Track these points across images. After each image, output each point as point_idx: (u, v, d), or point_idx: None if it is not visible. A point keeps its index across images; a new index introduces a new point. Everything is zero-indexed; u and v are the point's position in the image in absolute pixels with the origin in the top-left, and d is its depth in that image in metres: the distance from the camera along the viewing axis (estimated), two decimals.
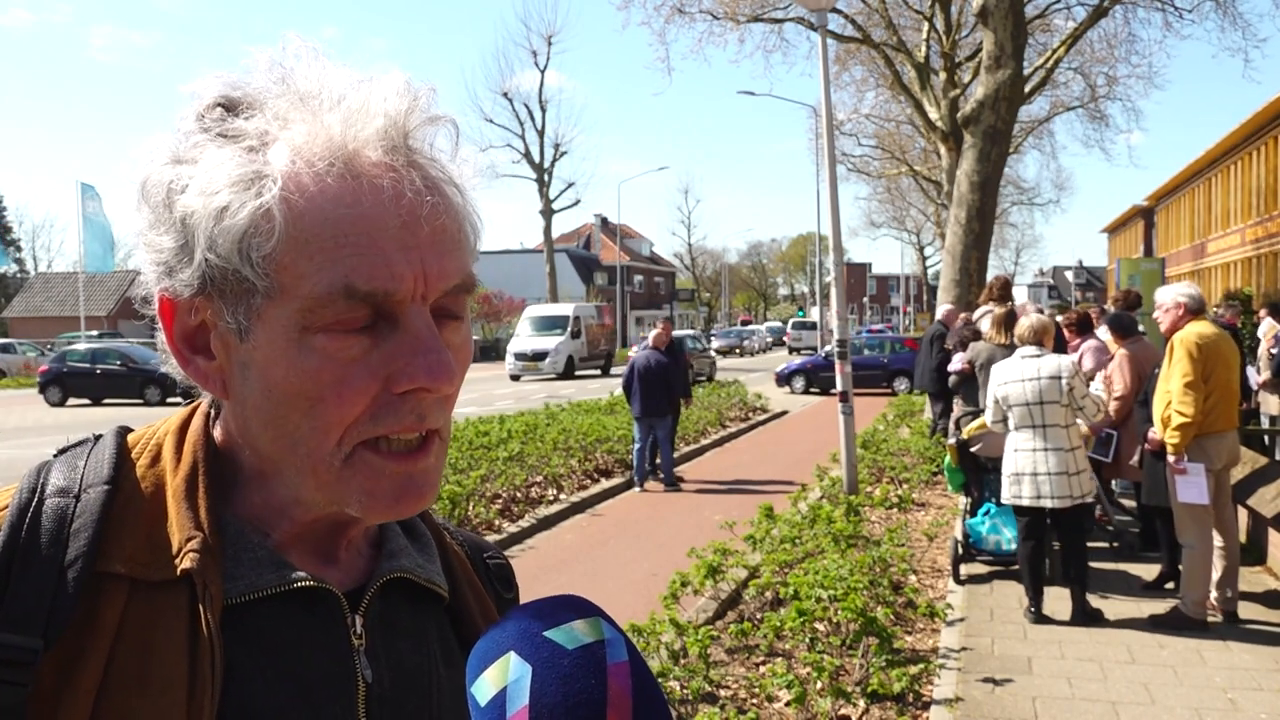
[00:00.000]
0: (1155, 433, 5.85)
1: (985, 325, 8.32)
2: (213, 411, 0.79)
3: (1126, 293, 8.73)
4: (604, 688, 0.62)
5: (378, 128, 0.69)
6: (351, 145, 0.68)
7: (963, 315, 10.37)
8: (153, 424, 0.80)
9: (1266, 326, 11.22)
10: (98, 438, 0.78)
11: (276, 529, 0.75)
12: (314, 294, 0.66)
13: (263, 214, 0.66)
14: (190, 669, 0.66)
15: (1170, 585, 6.21)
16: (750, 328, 61.32)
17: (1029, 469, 5.83)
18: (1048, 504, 5.79)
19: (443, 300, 0.72)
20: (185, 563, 0.69)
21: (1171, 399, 5.58)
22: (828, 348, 26.97)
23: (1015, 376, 5.93)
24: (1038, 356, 5.92)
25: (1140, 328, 7.97)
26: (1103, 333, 8.36)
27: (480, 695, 0.63)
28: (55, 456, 0.76)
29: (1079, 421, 5.93)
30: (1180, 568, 5.84)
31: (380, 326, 0.69)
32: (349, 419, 0.69)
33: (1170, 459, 5.63)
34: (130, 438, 0.78)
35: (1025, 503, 5.86)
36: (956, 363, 8.79)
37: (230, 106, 0.71)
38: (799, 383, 25.49)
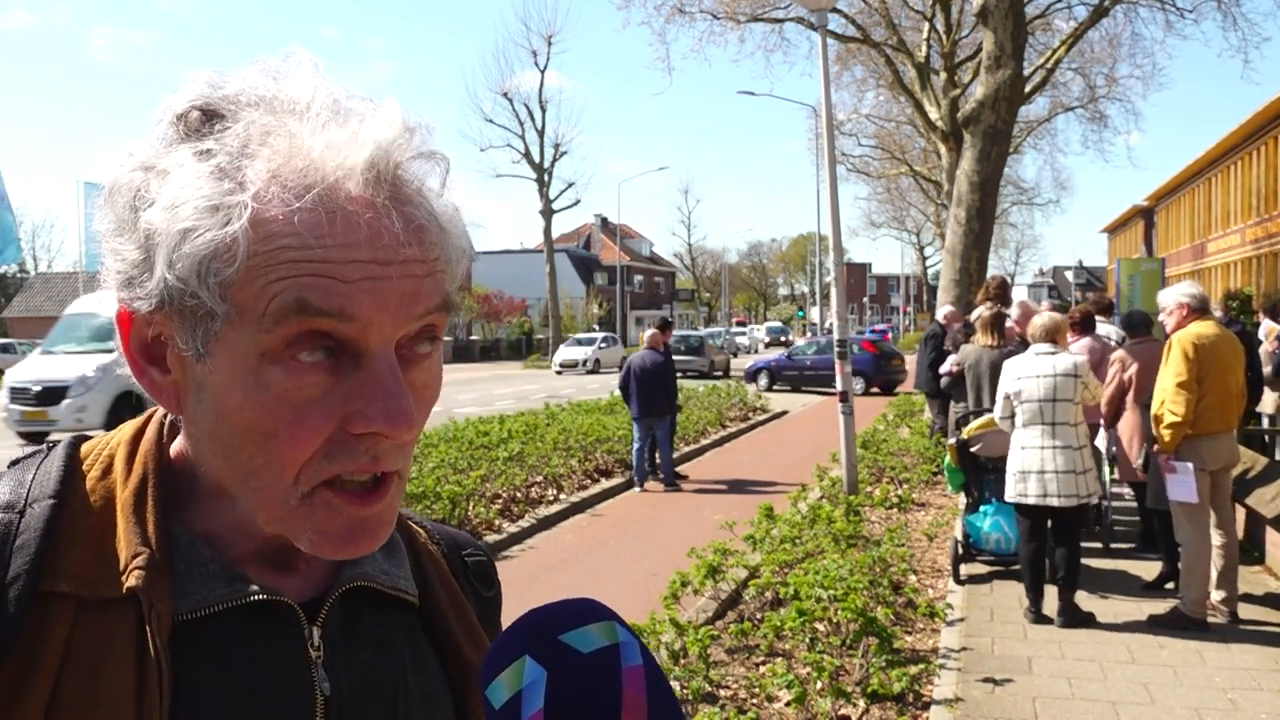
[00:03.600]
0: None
1: None
2: (168, 421, 0.77)
3: (1100, 296, 8.82)
4: (619, 692, 0.63)
5: (365, 158, 0.65)
6: (333, 174, 0.64)
7: (966, 318, 10.37)
8: (107, 434, 0.78)
9: (1266, 328, 11.25)
10: (50, 448, 0.75)
11: (233, 543, 0.73)
12: (269, 312, 0.63)
13: (226, 243, 0.63)
14: (138, 689, 0.65)
15: (1170, 585, 6.21)
16: (718, 329, 57.21)
17: (1036, 467, 5.80)
18: (1054, 502, 5.75)
19: (413, 334, 0.68)
20: (131, 580, 0.67)
21: (1165, 397, 5.62)
22: (793, 346, 31.01)
23: (1030, 373, 5.90)
24: (1052, 354, 5.91)
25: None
26: (1106, 329, 8.36)
27: (495, 698, 0.64)
28: (9, 468, 0.74)
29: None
30: (1180, 567, 5.86)
31: (343, 363, 0.66)
32: (303, 457, 0.66)
33: (1161, 457, 5.70)
34: (84, 448, 0.76)
35: (1031, 501, 5.82)
36: (947, 364, 8.81)
37: (209, 113, 0.68)
38: (763, 380, 27.10)
